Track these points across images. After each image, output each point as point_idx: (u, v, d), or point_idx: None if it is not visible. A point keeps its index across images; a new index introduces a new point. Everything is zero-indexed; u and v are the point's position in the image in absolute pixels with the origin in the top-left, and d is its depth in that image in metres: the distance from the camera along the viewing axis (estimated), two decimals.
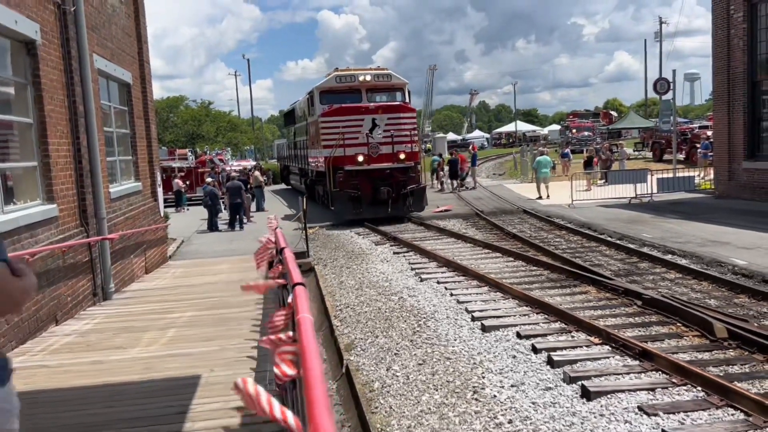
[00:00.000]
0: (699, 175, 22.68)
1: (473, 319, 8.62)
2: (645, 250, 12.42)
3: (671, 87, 24.24)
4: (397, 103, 20.70)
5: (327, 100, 20.60)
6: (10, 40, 7.11)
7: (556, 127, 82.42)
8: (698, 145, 27.59)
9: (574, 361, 6.73)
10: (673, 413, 5.41)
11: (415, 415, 5.86)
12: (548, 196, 22.30)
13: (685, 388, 5.88)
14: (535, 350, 7.20)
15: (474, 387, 6.36)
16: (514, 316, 8.62)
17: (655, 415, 5.39)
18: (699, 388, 5.79)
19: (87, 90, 8.89)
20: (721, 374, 6.13)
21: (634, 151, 41.91)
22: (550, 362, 6.79)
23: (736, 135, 18.43)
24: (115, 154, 11.21)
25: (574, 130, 52.80)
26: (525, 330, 7.90)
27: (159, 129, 38.80)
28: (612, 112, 72.07)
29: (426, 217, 19.60)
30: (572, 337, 7.59)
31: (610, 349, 7.01)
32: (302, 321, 1.91)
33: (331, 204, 20.12)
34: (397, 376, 6.86)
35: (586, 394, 5.90)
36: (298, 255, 13.28)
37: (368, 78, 20.61)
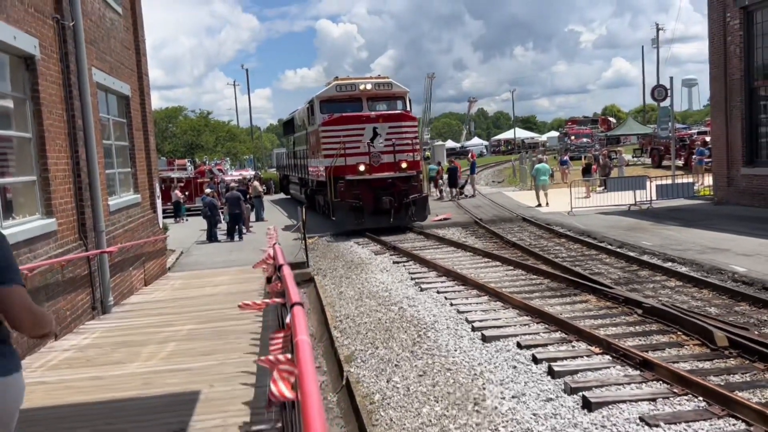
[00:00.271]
0: (697, 182, 22.69)
1: (473, 329, 8.61)
2: (645, 257, 12.41)
3: (669, 94, 24.27)
4: (399, 111, 20.56)
5: (327, 109, 20.45)
6: (9, 55, 7.13)
7: (554, 133, 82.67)
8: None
9: (575, 372, 6.72)
10: (675, 423, 5.39)
11: (416, 428, 5.84)
12: (547, 203, 22.32)
13: (686, 398, 5.86)
14: (535, 360, 7.18)
15: (475, 398, 6.34)
16: (515, 325, 8.60)
17: (657, 425, 5.37)
18: (700, 398, 5.78)
19: (86, 104, 8.90)
20: (722, 383, 6.11)
21: (632, 157, 41.99)
22: (551, 373, 6.77)
23: (734, 141, 18.47)
24: (114, 167, 11.21)
25: (572, 137, 52.93)
26: (525, 340, 7.89)
27: (158, 139, 38.83)
28: (610, 119, 72.16)
29: (425, 226, 19.58)
30: (573, 346, 7.57)
31: (610, 358, 6.99)
32: (300, 344, 1.90)
33: (332, 214, 19.98)
34: (398, 387, 6.84)
35: (587, 405, 5.88)
36: (298, 265, 13.30)
37: (369, 87, 20.48)
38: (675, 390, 6.00)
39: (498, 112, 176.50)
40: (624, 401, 5.87)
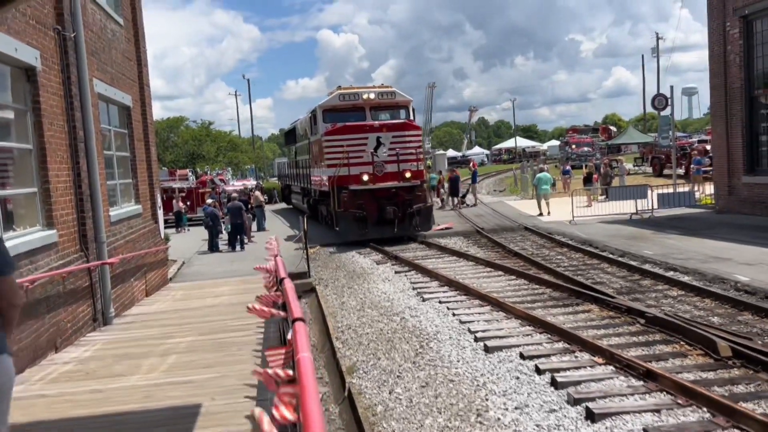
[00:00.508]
0: (697, 190, 22.67)
1: (476, 339, 8.57)
2: (647, 267, 12.37)
3: (669, 103, 24.28)
4: (402, 120, 20.42)
5: (330, 118, 20.31)
6: (10, 67, 7.14)
7: (555, 142, 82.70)
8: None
9: (578, 382, 6.68)
10: None
11: None
12: (549, 212, 22.30)
13: (690, 409, 5.82)
14: (538, 371, 7.15)
15: (478, 409, 6.30)
16: (517, 336, 8.57)
17: None
18: (704, 409, 5.74)
19: (87, 115, 8.91)
20: (727, 394, 6.07)
21: (633, 166, 41.99)
22: (554, 383, 6.73)
23: (735, 150, 18.45)
24: (115, 177, 11.22)
25: (573, 146, 52.91)
26: (528, 350, 7.85)
27: (159, 149, 38.93)
28: (611, 127, 72.16)
29: (427, 235, 19.54)
30: (576, 357, 7.53)
31: (614, 369, 6.95)
32: (302, 361, 1.87)
33: (335, 224, 19.81)
34: (400, 399, 6.80)
35: (591, 416, 5.83)
36: (299, 275, 13.26)
37: (372, 96, 20.35)
38: (679, 401, 5.96)
39: (499, 121, 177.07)
40: (628, 412, 5.83)
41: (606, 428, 5.63)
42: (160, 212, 14.39)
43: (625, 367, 6.85)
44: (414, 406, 6.57)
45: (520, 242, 17.62)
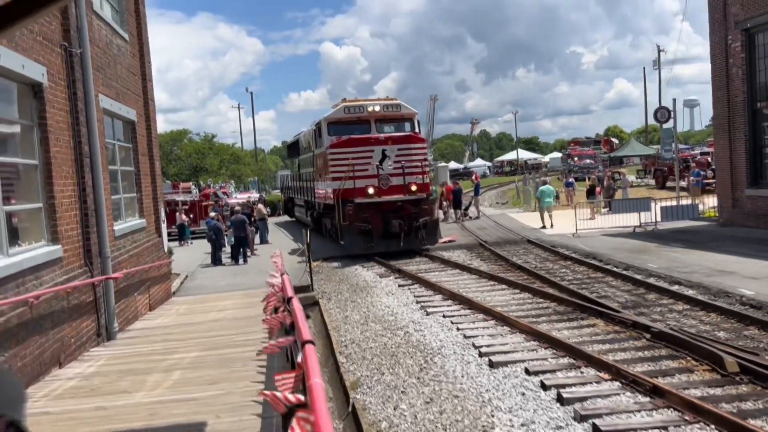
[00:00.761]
0: (700, 203, 22.63)
1: (481, 354, 8.53)
2: (651, 280, 12.33)
3: (672, 115, 24.32)
4: (408, 133, 20.26)
5: (335, 131, 20.16)
6: (17, 83, 7.18)
7: (557, 154, 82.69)
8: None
9: (585, 398, 6.64)
10: None
11: None
12: (552, 225, 22.26)
13: (698, 426, 5.78)
14: (544, 387, 7.10)
15: (483, 426, 6.26)
16: (522, 351, 8.52)
17: None
18: (712, 426, 5.69)
19: (92, 130, 8.95)
20: (734, 411, 6.02)
21: (636, 178, 41.97)
22: (560, 399, 6.69)
23: (738, 163, 18.45)
24: (120, 192, 11.24)
25: (575, 158, 52.90)
26: (533, 366, 7.80)
27: (162, 162, 39.02)
28: (613, 139, 72.27)
29: (430, 248, 19.49)
30: (581, 372, 7.49)
31: (620, 385, 6.91)
32: (314, 387, 1.86)
33: (340, 238, 19.61)
34: (405, 415, 6.76)
35: None
36: (302, 288, 13.23)
37: (377, 108, 20.18)
38: (686, 417, 5.91)
39: (501, 133, 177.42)
40: (634, 429, 5.80)
41: None
42: (164, 226, 14.40)
43: (632, 383, 6.81)
44: (419, 422, 6.53)
45: (523, 255, 17.59)
